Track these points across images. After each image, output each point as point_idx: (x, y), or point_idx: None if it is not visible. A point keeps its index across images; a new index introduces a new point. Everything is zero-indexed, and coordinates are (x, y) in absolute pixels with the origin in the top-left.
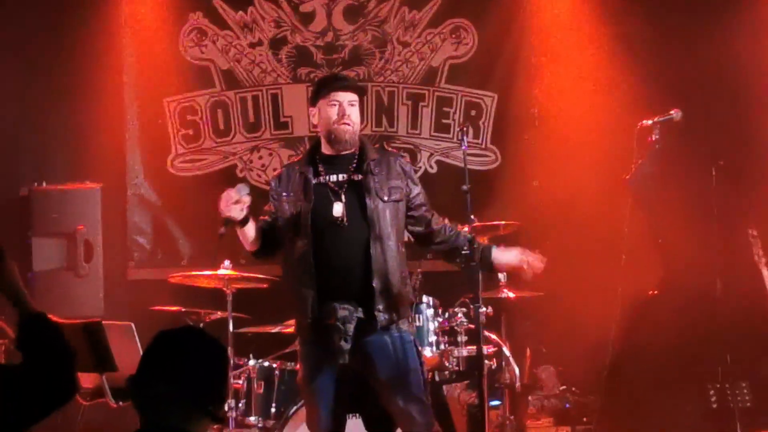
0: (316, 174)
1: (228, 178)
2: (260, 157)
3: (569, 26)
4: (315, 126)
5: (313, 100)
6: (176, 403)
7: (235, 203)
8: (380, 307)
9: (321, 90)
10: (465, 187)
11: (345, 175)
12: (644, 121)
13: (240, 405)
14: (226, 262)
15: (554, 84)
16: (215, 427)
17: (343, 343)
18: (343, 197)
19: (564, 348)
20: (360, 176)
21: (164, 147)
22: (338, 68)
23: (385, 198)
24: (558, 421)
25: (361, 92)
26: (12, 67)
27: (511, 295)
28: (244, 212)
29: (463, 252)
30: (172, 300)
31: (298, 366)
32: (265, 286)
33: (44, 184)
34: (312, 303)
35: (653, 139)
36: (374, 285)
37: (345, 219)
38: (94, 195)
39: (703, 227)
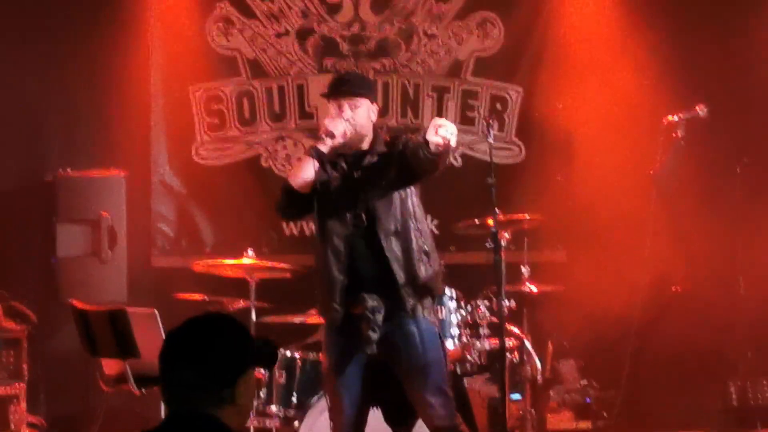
0: (343, 168)
1: (252, 167)
2: (285, 147)
3: (595, 21)
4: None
5: (327, 101)
6: (199, 388)
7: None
8: (404, 297)
9: (327, 93)
10: (490, 180)
11: (361, 172)
12: (669, 117)
13: (261, 394)
14: (250, 251)
15: (579, 78)
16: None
17: (371, 333)
18: (360, 194)
19: (586, 342)
20: (360, 173)
21: (189, 135)
22: (364, 59)
23: (382, 183)
24: (579, 416)
25: (365, 93)
26: (38, 54)
27: (534, 288)
28: (341, 139)
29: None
30: (195, 288)
31: (321, 356)
32: (288, 275)
33: (69, 170)
34: (341, 290)
35: (678, 135)
36: (395, 278)
37: (364, 215)
38: (118, 182)
39: (727, 224)
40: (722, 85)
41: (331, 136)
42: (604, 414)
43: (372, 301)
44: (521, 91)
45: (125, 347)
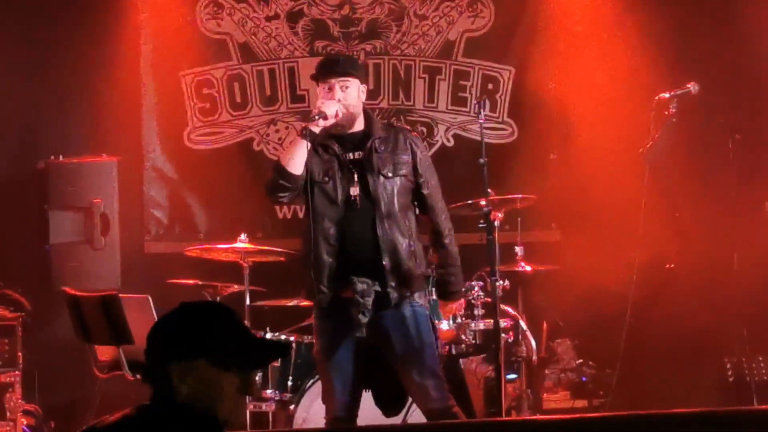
0: (335, 150)
1: (245, 151)
2: (277, 131)
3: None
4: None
5: (316, 83)
6: (189, 375)
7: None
8: (392, 283)
9: (316, 75)
10: (482, 161)
11: (357, 153)
12: (661, 95)
13: (257, 378)
14: (243, 236)
15: (571, 57)
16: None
17: (361, 316)
18: (355, 176)
19: (581, 321)
20: (363, 154)
21: (181, 121)
22: (355, 42)
23: (390, 174)
24: (574, 395)
25: (355, 73)
26: (28, 41)
27: (528, 268)
28: (334, 120)
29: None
30: (188, 273)
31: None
32: (281, 259)
33: (61, 157)
34: (330, 274)
35: (670, 112)
36: (384, 263)
37: (358, 198)
38: (110, 168)
39: (720, 201)
40: (714, 62)
41: (324, 116)
42: (601, 393)
43: (361, 285)
44: (513, 71)
45: (119, 333)
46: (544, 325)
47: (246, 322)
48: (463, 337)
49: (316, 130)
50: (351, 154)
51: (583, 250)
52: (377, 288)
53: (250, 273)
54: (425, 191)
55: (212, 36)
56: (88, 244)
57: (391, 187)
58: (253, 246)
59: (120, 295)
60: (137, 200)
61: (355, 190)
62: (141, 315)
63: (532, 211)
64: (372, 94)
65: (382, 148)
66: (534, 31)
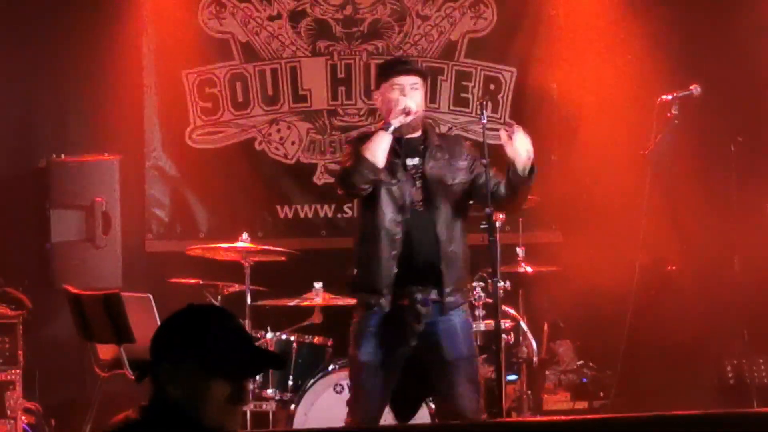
0: (397, 155)
1: (246, 150)
2: (279, 130)
3: (591, 1)
4: (378, 110)
5: (376, 84)
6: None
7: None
8: (448, 290)
9: (383, 74)
10: (484, 161)
11: (417, 159)
12: (663, 96)
13: (257, 377)
14: (244, 235)
15: (574, 59)
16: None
17: (416, 324)
18: (418, 182)
19: (581, 323)
20: (422, 160)
21: (182, 119)
22: (357, 42)
23: (449, 182)
24: (575, 396)
25: (424, 75)
26: (30, 38)
27: (529, 269)
28: (412, 117)
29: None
30: (190, 272)
31: (350, 347)
32: (283, 259)
33: (62, 155)
34: (391, 278)
35: (672, 114)
36: (442, 271)
37: (420, 204)
38: (112, 167)
39: (722, 203)
40: (717, 64)
41: (408, 113)
42: (601, 394)
43: (419, 293)
44: (515, 72)
45: (120, 332)
46: (545, 326)
47: (247, 322)
48: None
49: (398, 124)
50: (411, 159)
51: (585, 251)
52: (434, 296)
53: (252, 272)
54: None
55: (215, 35)
56: (89, 243)
57: (451, 195)
58: (254, 245)
59: (121, 293)
60: (139, 199)
61: (418, 195)
62: (142, 314)
63: (534, 213)
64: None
65: (439, 156)
66: (536, 33)
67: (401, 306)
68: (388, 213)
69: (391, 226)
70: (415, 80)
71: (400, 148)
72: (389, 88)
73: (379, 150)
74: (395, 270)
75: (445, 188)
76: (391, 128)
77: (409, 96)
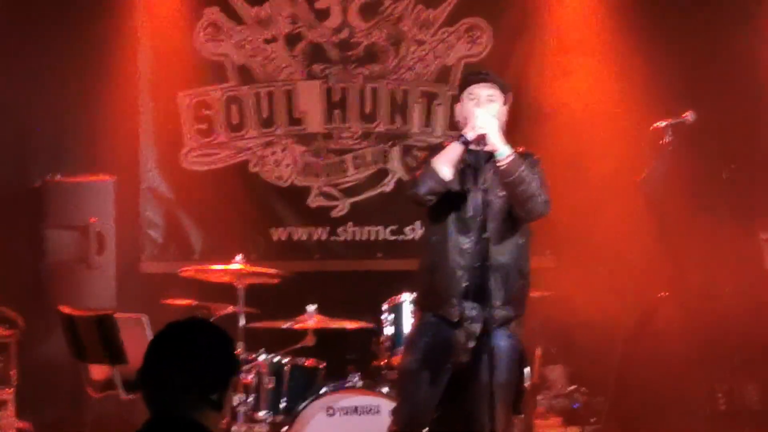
0: (472, 165)
1: (241, 173)
2: (273, 153)
3: (585, 26)
4: (458, 122)
5: (458, 94)
6: (184, 393)
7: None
8: (498, 304)
9: (462, 84)
10: (482, 186)
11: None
12: (657, 124)
13: (250, 399)
14: (238, 257)
15: (568, 84)
16: (225, 420)
17: (470, 342)
18: (483, 194)
19: (573, 348)
20: (490, 174)
21: (177, 141)
22: (353, 65)
23: (501, 193)
24: (567, 421)
25: (502, 87)
26: (27, 59)
27: None
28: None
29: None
30: (183, 294)
31: (403, 353)
32: (276, 281)
33: (58, 176)
34: (460, 294)
35: (666, 141)
36: (492, 283)
37: (483, 217)
38: (107, 188)
39: (714, 230)
40: (710, 91)
41: (480, 140)
42: (592, 419)
43: (473, 310)
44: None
45: (113, 353)
46: (537, 351)
47: (240, 343)
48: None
49: (472, 137)
50: (487, 174)
51: (578, 277)
52: (487, 314)
53: (245, 294)
54: None
55: (210, 57)
56: (83, 263)
57: (503, 207)
58: (248, 267)
59: (115, 314)
60: (133, 220)
61: (478, 211)
62: (136, 335)
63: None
64: (368, 118)
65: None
66: (531, 57)
67: (459, 322)
68: (456, 224)
69: (459, 238)
70: (491, 92)
71: (473, 159)
72: (467, 99)
73: (447, 161)
74: (464, 282)
75: (497, 201)
76: (464, 140)
77: (484, 107)
